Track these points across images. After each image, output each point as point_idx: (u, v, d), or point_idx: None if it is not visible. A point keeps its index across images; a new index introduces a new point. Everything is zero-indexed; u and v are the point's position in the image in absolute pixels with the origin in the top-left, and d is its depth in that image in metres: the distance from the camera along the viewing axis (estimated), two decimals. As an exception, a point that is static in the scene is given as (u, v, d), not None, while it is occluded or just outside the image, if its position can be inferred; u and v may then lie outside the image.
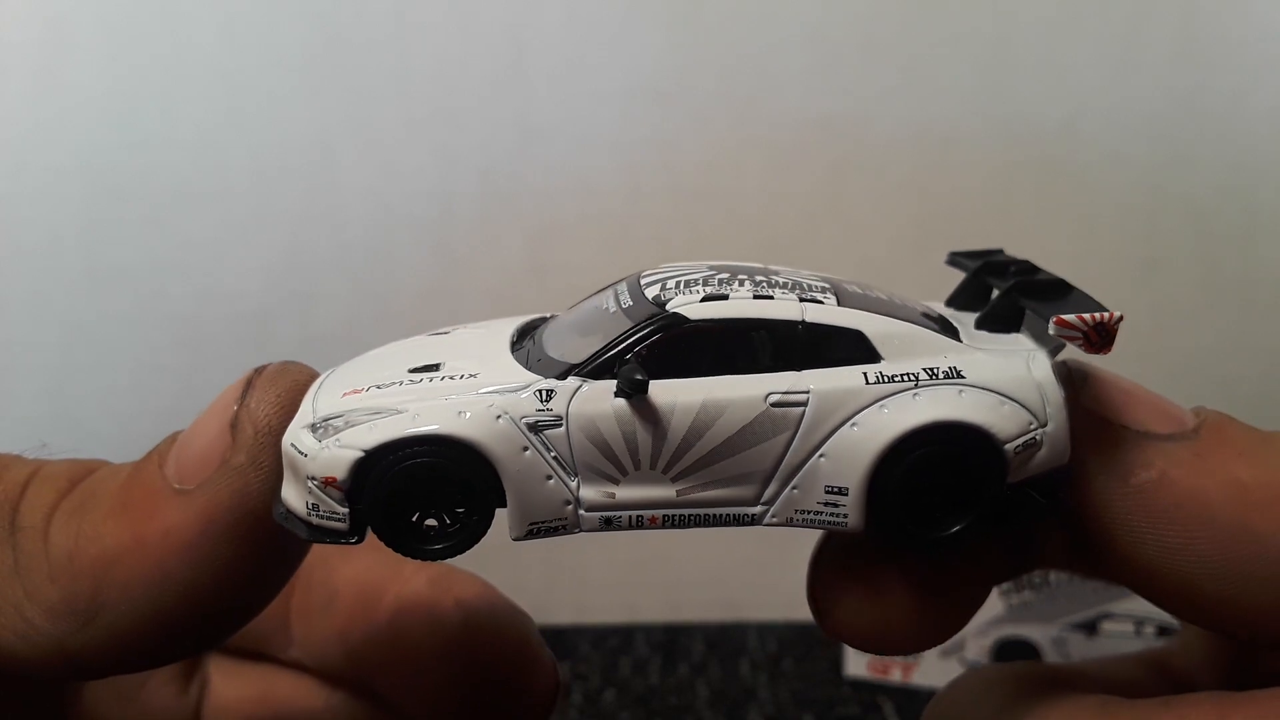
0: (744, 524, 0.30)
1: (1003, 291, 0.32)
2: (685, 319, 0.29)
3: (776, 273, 0.33)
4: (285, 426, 0.30)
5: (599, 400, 0.29)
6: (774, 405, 0.29)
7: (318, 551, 0.40)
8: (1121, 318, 0.30)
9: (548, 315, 0.34)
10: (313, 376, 0.32)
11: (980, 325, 0.32)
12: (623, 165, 0.82)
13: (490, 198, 0.83)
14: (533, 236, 0.83)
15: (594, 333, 0.30)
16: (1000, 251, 0.36)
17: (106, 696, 0.41)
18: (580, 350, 0.30)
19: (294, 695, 0.44)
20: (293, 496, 0.30)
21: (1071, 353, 0.33)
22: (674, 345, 0.29)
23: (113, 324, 0.84)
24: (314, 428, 0.29)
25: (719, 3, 0.81)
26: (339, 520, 0.29)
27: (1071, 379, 0.31)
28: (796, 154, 0.82)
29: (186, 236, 0.83)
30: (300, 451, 0.29)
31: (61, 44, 0.81)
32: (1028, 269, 0.34)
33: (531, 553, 0.85)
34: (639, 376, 0.28)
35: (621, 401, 0.28)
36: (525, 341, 0.33)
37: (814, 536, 0.34)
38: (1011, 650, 0.74)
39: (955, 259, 0.37)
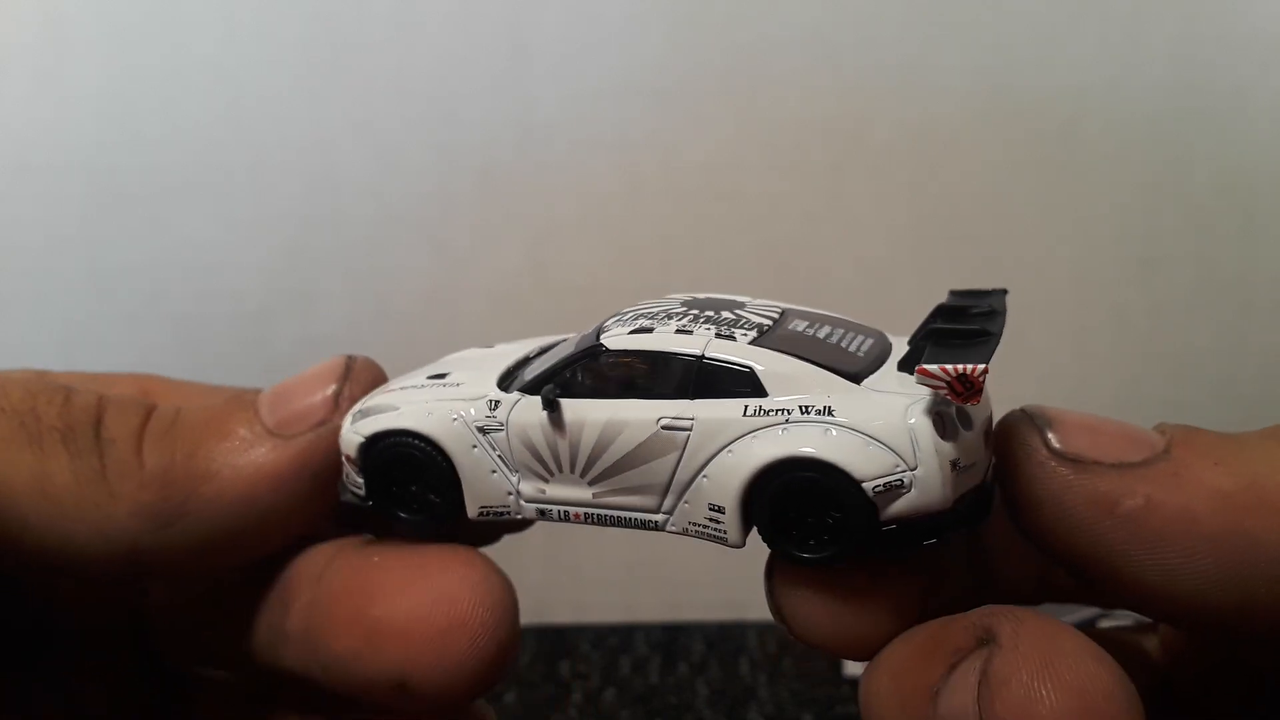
0: (650, 529, 0.35)
1: (918, 337, 0.34)
2: (605, 349, 0.34)
3: (740, 305, 0.36)
4: None
5: (531, 412, 0.35)
6: (664, 428, 0.33)
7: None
8: (986, 370, 0.29)
9: (568, 337, 0.39)
10: (381, 376, 0.40)
11: (901, 367, 0.34)
12: (623, 165, 0.82)
13: (490, 198, 0.83)
14: (533, 236, 0.83)
15: (554, 357, 0.36)
16: (1003, 293, 0.36)
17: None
18: (537, 371, 0.36)
19: None
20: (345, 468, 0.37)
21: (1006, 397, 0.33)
22: (596, 369, 0.34)
23: (113, 324, 0.84)
24: (354, 417, 0.37)
25: (719, 3, 0.81)
26: (360, 489, 0.37)
27: (1034, 426, 0.31)
28: (796, 154, 0.82)
29: (186, 236, 0.83)
30: (342, 434, 0.37)
31: (61, 44, 0.81)
32: (986, 315, 0.34)
33: (532, 553, 0.86)
34: (552, 396, 0.34)
35: (546, 414, 0.34)
36: (531, 358, 0.39)
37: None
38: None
39: (953, 296, 0.37)
